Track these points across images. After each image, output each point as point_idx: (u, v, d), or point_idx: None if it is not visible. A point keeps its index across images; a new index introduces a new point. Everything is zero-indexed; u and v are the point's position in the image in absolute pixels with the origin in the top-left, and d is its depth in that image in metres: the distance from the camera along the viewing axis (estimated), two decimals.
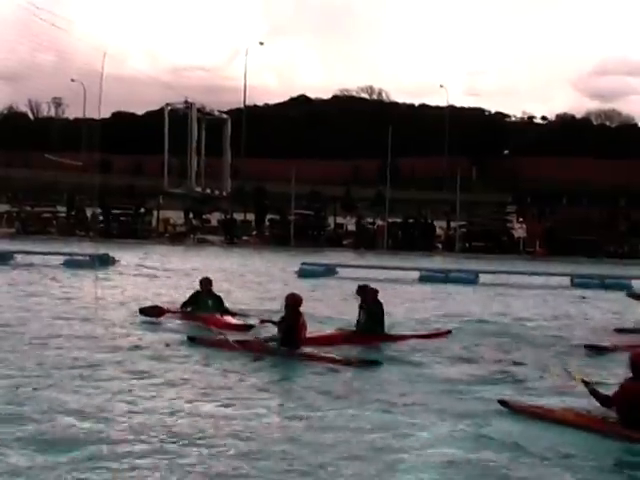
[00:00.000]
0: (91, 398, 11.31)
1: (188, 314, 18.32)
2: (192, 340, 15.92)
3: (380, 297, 16.77)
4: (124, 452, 9.01)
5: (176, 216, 55.78)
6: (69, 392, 11.58)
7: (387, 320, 17.20)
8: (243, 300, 20.01)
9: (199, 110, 55.73)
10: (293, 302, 15.19)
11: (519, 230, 49.02)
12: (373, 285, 24.59)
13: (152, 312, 18.40)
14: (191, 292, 19.04)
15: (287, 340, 14.86)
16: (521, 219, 50.34)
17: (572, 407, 10.83)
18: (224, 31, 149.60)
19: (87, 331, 16.80)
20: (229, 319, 17.94)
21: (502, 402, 11.05)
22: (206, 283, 18.88)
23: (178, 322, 17.97)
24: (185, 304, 18.66)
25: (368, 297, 16.64)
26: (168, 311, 18.55)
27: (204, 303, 18.46)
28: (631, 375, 10.12)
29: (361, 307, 16.66)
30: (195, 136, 54.88)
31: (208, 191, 56.59)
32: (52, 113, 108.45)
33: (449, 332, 17.55)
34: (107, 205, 52.91)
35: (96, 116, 45.84)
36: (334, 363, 14.30)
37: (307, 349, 14.94)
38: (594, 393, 10.49)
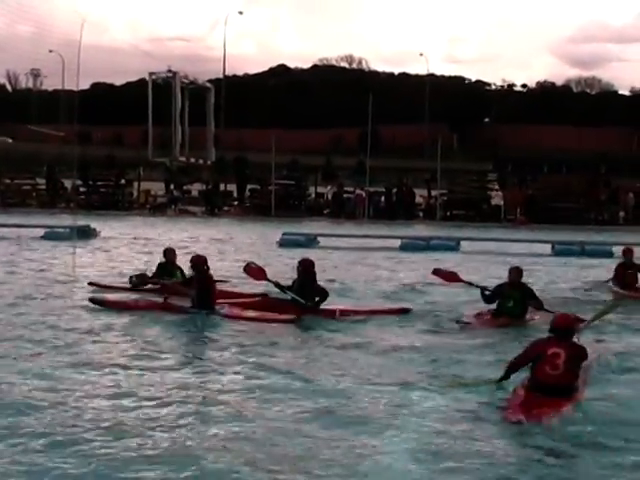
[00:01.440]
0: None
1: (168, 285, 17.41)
2: (99, 303, 15.94)
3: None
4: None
5: (157, 187, 55.55)
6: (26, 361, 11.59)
7: (364, 288, 17.27)
8: (224, 270, 19.90)
9: (182, 79, 55.44)
10: (199, 262, 15.63)
11: (496, 198, 49.19)
12: (355, 254, 24.83)
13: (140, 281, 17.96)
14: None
15: (203, 299, 15.30)
16: (497, 187, 50.40)
17: None
18: (204, 0, 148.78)
19: (56, 303, 16.72)
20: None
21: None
22: (171, 254, 18.39)
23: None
24: (157, 278, 17.96)
25: (299, 268, 16.15)
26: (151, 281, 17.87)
27: (174, 275, 17.95)
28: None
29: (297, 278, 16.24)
30: (179, 105, 54.54)
31: (192, 160, 56.36)
32: (30, 84, 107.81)
33: (407, 310, 16.33)
34: (87, 177, 52.65)
35: (75, 87, 45.44)
36: (255, 321, 14.80)
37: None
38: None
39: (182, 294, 15.70)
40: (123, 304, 16.02)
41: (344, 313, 15.70)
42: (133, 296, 16.86)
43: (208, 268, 15.74)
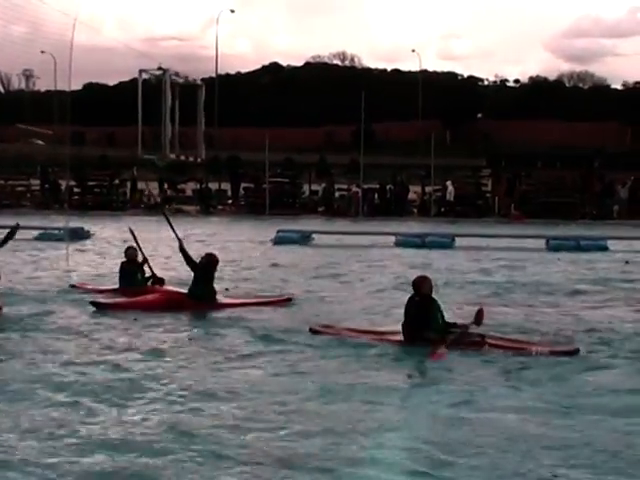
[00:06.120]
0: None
1: (124, 290, 17.45)
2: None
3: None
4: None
5: (150, 187, 55.44)
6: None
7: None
8: (219, 268, 19.88)
9: (173, 77, 55.25)
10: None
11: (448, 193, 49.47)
12: (349, 251, 24.78)
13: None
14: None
15: None
16: (448, 181, 50.12)
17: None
18: None
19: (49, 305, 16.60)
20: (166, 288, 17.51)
21: None
22: (132, 254, 18.20)
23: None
24: (120, 281, 17.92)
25: (203, 261, 16.52)
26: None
27: (135, 275, 17.81)
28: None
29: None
30: (169, 102, 54.39)
31: (182, 157, 56.26)
32: (23, 85, 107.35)
33: (289, 299, 17.15)
34: (81, 177, 52.58)
35: (67, 88, 45.28)
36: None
37: None
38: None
39: None
40: (126, 305, 16.11)
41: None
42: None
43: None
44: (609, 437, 8.69)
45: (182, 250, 16.74)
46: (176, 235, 17.30)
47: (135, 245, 18.34)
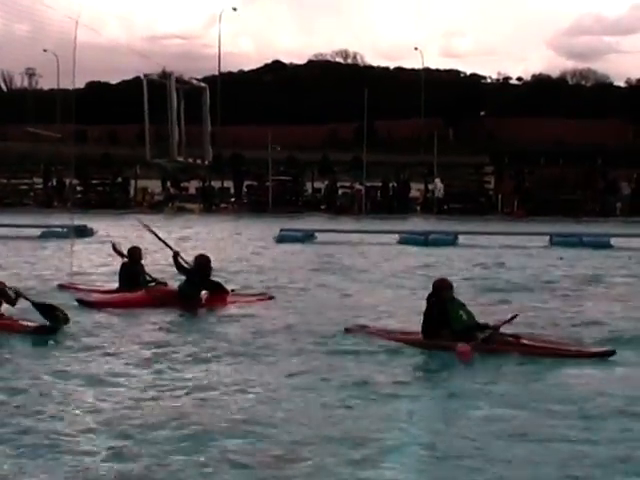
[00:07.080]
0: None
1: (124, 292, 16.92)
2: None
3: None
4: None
5: (153, 185, 55.47)
6: None
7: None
8: (222, 267, 19.88)
9: (177, 80, 55.18)
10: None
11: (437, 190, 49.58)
12: (351, 248, 24.82)
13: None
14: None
15: None
16: (437, 179, 50.12)
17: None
18: None
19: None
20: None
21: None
22: (137, 254, 17.64)
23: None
24: (120, 282, 17.43)
25: (195, 263, 16.34)
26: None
27: (135, 277, 17.24)
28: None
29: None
30: (175, 107, 54.30)
31: (190, 160, 56.09)
32: (25, 84, 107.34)
33: (271, 298, 17.06)
34: (84, 175, 52.54)
35: (70, 86, 45.22)
36: None
37: None
38: None
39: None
40: (111, 303, 16.08)
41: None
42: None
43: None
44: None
45: (175, 260, 16.53)
46: (169, 247, 17.30)
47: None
